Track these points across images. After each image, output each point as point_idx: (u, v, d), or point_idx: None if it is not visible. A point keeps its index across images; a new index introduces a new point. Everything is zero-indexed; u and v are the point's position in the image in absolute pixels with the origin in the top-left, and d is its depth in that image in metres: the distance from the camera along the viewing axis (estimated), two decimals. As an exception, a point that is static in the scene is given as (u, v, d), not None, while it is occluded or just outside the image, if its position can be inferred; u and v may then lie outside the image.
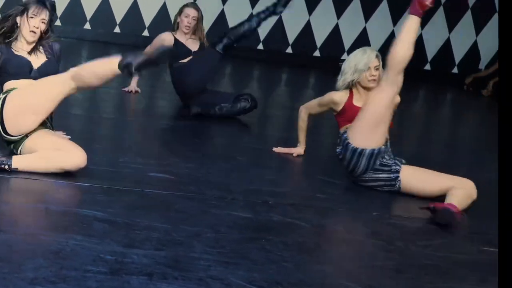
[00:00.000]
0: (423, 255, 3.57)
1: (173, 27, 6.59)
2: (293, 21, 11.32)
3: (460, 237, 3.94)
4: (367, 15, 11.56)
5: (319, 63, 11.14)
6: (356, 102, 4.67)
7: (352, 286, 3.04)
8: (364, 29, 11.47)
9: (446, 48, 11.80)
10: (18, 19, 4.21)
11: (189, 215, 3.67)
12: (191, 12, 6.49)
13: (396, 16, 11.50)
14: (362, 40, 11.16)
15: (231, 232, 3.50)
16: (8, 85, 4.18)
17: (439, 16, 11.61)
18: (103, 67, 4.03)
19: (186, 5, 6.60)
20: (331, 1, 11.42)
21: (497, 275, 3.36)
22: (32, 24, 4.19)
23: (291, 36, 11.36)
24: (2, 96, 4.10)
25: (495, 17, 11.67)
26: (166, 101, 6.76)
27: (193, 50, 6.48)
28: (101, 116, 5.64)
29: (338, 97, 4.74)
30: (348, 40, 11.42)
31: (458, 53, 11.88)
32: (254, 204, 4.01)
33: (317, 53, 11.43)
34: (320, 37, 11.37)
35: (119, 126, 5.74)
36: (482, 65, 11.86)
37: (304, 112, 5.05)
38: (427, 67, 11.79)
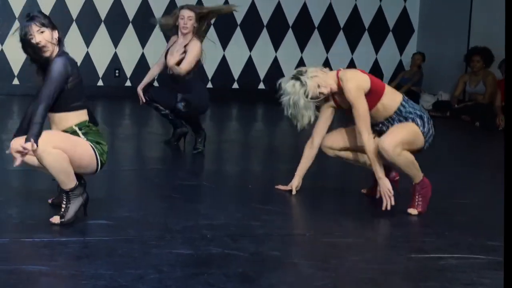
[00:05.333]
0: (358, 269, 3.52)
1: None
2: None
3: (389, 247, 3.90)
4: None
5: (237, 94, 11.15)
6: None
7: (295, 310, 2.96)
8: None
9: (351, 67, 11.93)
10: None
11: (132, 258, 3.53)
12: (185, 13, 6.43)
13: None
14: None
15: (174, 271, 3.38)
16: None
17: (341, 39, 11.77)
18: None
19: (181, 7, 6.56)
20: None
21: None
22: None
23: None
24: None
25: (390, 35, 11.88)
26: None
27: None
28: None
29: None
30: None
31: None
32: (193, 239, 3.90)
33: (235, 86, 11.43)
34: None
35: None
36: (385, 81, 12.03)
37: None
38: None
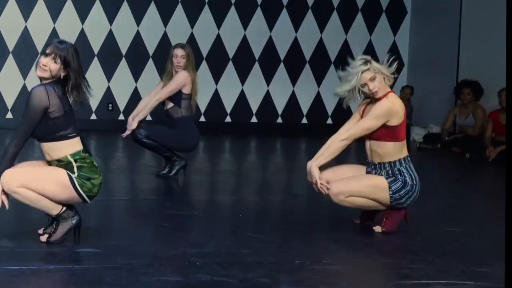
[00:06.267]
0: (346, 296, 3.49)
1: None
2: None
3: (378, 274, 3.88)
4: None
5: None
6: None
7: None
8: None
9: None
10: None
11: (120, 286, 3.49)
12: (179, 52, 6.58)
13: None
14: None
15: (162, 298, 3.34)
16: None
17: (332, 73, 11.80)
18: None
19: (174, 46, 6.70)
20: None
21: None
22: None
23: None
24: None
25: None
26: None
27: None
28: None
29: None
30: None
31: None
32: (182, 267, 3.86)
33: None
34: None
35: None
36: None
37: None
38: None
